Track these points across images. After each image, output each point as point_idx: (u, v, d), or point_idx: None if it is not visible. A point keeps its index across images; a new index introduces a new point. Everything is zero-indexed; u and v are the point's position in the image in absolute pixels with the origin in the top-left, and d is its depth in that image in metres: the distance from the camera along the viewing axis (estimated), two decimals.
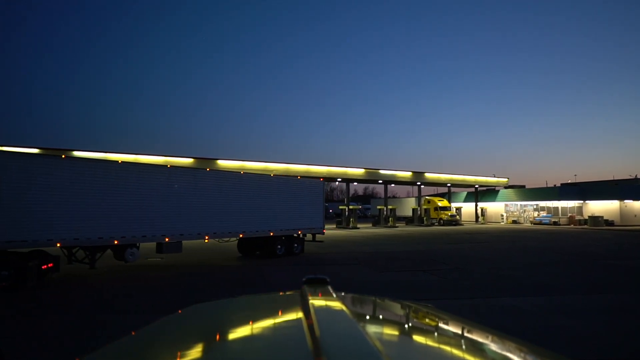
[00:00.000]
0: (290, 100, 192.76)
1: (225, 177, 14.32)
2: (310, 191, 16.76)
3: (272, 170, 32.05)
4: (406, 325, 1.50)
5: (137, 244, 11.96)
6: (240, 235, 14.26)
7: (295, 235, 15.92)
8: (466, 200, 51.39)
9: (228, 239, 14.31)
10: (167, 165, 13.51)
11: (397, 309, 1.75)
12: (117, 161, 12.40)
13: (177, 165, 28.06)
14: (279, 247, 15.26)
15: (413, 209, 43.38)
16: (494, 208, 48.21)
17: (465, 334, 1.34)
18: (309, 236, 17.09)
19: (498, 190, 48.39)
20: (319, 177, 20.29)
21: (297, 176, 19.32)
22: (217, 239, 14.07)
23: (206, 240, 13.56)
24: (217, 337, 1.23)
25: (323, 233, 17.37)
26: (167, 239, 12.28)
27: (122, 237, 11.26)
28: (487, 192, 49.21)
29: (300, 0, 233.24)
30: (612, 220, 38.06)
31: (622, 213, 38.61)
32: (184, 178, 12.87)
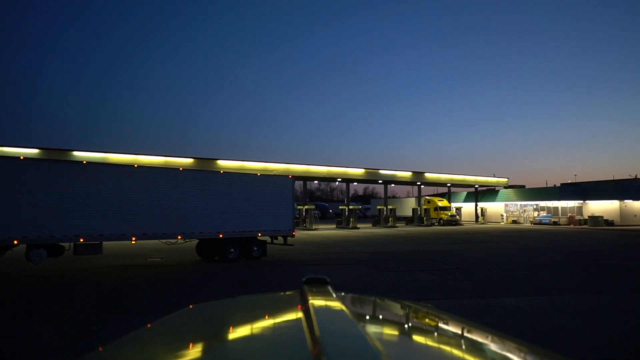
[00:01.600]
0: (291, 101, 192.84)
1: (157, 174, 13.16)
2: (275, 190, 15.16)
3: (272, 170, 32.08)
4: (406, 325, 1.50)
5: (68, 246, 11.40)
6: (179, 237, 13.07)
7: (255, 237, 14.57)
8: (466, 200, 51.38)
9: (175, 240, 13.24)
10: (82, 161, 12.69)
11: (397, 309, 1.75)
12: (19, 157, 11.72)
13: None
14: (232, 250, 13.98)
15: (413, 209, 43.37)
16: (494, 208, 48.19)
17: (465, 334, 1.34)
18: (280, 239, 15.74)
19: (498, 190, 48.38)
20: (288, 175, 17.45)
21: (257, 173, 17.55)
22: (164, 241, 13.21)
23: (133, 242, 12.63)
24: (217, 337, 1.23)
25: (293, 235, 15.71)
26: (81, 240, 11.26)
27: (23, 236, 10.44)
28: (487, 192, 49.20)
29: (302, 3, 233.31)
30: (612, 220, 38.05)
31: (622, 213, 38.59)
32: (104, 175, 11.93)
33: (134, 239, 12.26)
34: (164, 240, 13.19)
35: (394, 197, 55.33)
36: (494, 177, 47.17)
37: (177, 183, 13.17)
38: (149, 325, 1.32)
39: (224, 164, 30.03)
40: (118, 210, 11.89)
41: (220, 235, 13.70)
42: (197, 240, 14.33)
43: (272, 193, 15.07)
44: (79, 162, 12.69)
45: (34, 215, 10.60)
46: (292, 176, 16.85)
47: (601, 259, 14.80)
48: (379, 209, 39.88)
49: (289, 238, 15.93)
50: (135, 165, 13.97)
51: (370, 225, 39.32)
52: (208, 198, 13.63)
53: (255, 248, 14.53)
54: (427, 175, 40.70)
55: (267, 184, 15.20)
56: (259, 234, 14.61)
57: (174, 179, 13.25)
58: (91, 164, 12.52)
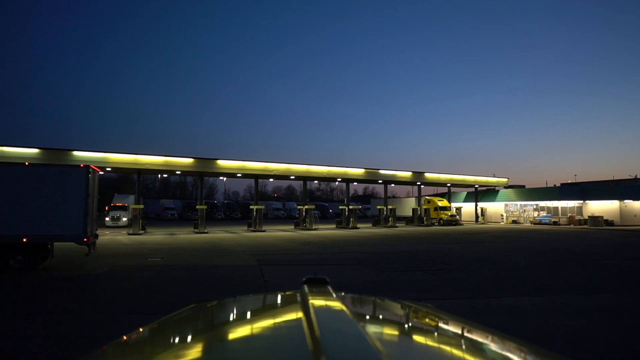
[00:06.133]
0: (292, 102, 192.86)
1: None
2: (55, 184, 12.06)
3: (272, 170, 32.08)
4: (406, 325, 1.50)
5: None
6: None
7: (19, 244, 11.58)
8: (466, 200, 51.38)
9: None
10: None
11: (397, 309, 1.75)
12: None
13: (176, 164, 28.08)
14: None
15: (413, 209, 43.37)
16: (494, 208, 48.20)
17: (465, 334, 1.34)
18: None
19: (498, 190, 48.38)
20: (82, 164, 13.60)
21: (26, 162, 14.65)
22: None
23: None
24: (217, 337, 1.23)
25: (84, 242, 12.02)
26: None
27: None
28: (487, 192, 49.20)
29: (304, 6, 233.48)
30: (612, 220, 38.04)
31: (622, 213, 38.59)
32: None
33: None
34: None
35: (394, 197, 55.30)
36: (494, 177, 47.20)
37: None
38: (149, 325, 1.32)
39: (224, 163, 30.17)
40: None
41: None
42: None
43: (48, 187, 12.05)
44: None
45: None
46: (85, 165, 12.87)
47: (601, 259, 14.80)
48: (379, 209, 39.89)
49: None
50: None
51: (370, 225, 39.32)
52: None
53: (20, 257, 11.57)
54: (427, 175, 40.70)
55: (39, 176, 12.15)
56: (24, 240, 11.59)
57: None
58: None
